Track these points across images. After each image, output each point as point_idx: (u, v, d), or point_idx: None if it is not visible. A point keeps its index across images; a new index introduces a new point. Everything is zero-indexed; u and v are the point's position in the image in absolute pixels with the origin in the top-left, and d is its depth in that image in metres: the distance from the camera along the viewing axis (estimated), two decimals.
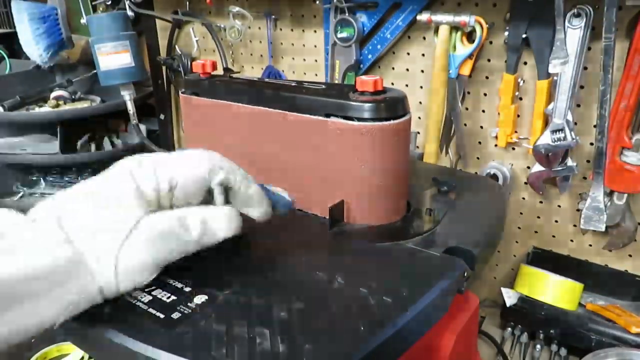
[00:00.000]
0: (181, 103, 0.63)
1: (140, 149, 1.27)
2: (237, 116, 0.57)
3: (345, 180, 0.51)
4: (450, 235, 0.49)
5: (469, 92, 0.85)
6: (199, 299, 0.39)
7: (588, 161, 0.78)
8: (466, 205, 0.56)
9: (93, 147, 1.24)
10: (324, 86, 0.55)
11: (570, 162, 0.77)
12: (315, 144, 0.51)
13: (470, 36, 0.80)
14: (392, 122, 0.48)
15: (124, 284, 0.36)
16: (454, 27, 0.79)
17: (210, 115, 0.60)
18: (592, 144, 0.76)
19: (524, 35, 0.75)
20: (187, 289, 0.40)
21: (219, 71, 0.93)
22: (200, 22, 1.12)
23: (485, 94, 0.84)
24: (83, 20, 1.06)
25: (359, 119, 0.48)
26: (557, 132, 0.74)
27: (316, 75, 1.03)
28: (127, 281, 0.36)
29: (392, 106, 0.49)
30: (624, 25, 0.69)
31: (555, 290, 0.80)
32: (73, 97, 1.34)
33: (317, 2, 0.90)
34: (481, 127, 0.86)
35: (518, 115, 0.82)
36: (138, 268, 0.36)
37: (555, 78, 0.73)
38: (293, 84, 0.56)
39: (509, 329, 0.82)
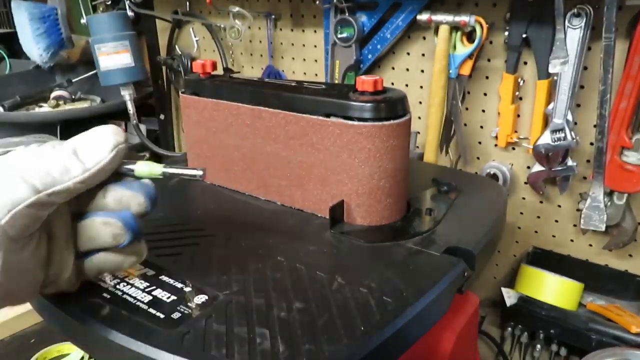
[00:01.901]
0: (181, 103, 0.63)
1: (140, 149, 1.27)
2: (237, 116, 0.57)
3: (345, 180, 0.51)
4: (450, 235, 0.49)
5: (469, 92, 0.85)
6: (199, 299, 0.39)
7: (588, 161, 0.78)
8: (466, 205, 0.56)
9: None
10: (324, 86, 0.55)
11: (570, 162, 0.77)
12: (315, 143, 0.51)
13: (470, 36, 0.80)
14: (392, 122, 0.48)
15: None
16: (454, 27, 0.79)
17: (211, 115, 0.60)
18: (592, 143, 0.76)
19: (524, 35, 0.75)
20: (187, 289, 0.40)
21: (219, 71, 0.93)
22: (200, 22, 1.12)
23: (485, 94, 0.84)
24: (83, 20, 1.06)
25: (359, 119, 0.48)
26: (557, 132, 0.74)
27: (316, 75, 1.03)
28: None
29: (392, 106, 0.49)
30: (624, 25, 0.69)
31: (556, 290, 0.80)
32: (73, 97, 1.34)
33: (317, 2, 0.90)
34: (481, 127, 0.86)
35: (518, 115, 0.82)
36: (5, 184, 0.32)
37: (555, 78, 0.73)
38: (293, 84, 0.56)
39: (509, 328, 0.82)
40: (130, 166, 0.37)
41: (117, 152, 0.35)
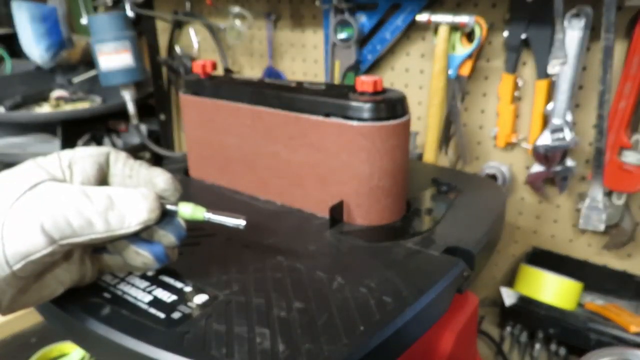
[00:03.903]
0: (181, 103, 0.64)
1: (141, 149, 1.27)
2: (237, 116, 0.57)
3: (345, 180, 0.51)
4: (449, 235, 0.49)
5: (468, 93, 0.86)
6: (199, 299, 0.39)
7: (587, 161, 0.78)
8: (466, 205, 0.57)
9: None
10: (323, 86, 0.55)
11: (569, 162, 0.77)
12: (315, 143, 0.51)
13: (469, 36, 0.80)
14: (391, 122, 0.48)
15: (9, 250, 0.32)
16: (454, 28, 0.79)
17: (211, 115, 0.60)
18: (591, 144, 0.76)
19: (523, 36, 0.75)
20: (187, 289, 0.41)
21: (219, 71, 0.93)
22: (201, 22, 1.12)
23: (484, 94, 0.84)
24: (83, 21, 1.06)
25: (359, 119, 0.48)
26: (556, 132, 0.75)
27: (316, 75, 1.03)
28: (12, 248, 0.32)
29: (392, 106, 0.49)
30: (623, 26, 0.69)
31: (555, 290, 0.80)
32: (73, 97, 1.34)
33: (317, 2, 0.90)
34: (480, 127, 0.87)
35: (517, 116, 0.82)
36: (23, 232, 0.32)
37: (554, 78, 0.73)
38: (293, 84, 0.57)
39: (509, 328, 0.82)
40: (174, 208, 0.39)
41: (143, 226, 0.36)
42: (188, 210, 0.39)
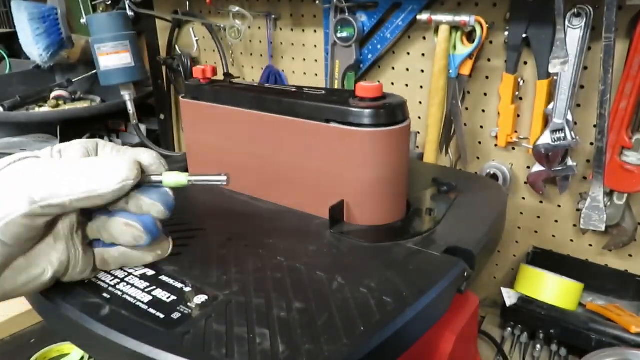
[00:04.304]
0: (182, 108, 0.63)
1: None
2: (238, 121, 0.57)
3: (346, 185, 0.51)
4: (450, 235, 0.49)
5: (469, 92, 0.85)
6: (199, 299, 0.39)
7: (588, 161, 0.78)
8: (466, 205, 0.56)
9: None
10: (324, 92, 0.55)
11: (570, 162, 0.77)
12: (315, 149, 0.51)
13: (470, 36, 0.80)
14: (391, 128, 0.48)
15: None
16: (454, 27, 0.79)
17: (211, 120, 0.60)
18: (592, 143, 0.76)
19: (524, 35, 0.75)
20: (187, 289, 0.40)
21: (219, 76, 0.93)
22: (200, 22, 1.12)
23: (485, 94, 0.84)
24: (83, 20, 1.06)
25: (359, 125, 0.48)
26: (557, 132, 0.74)
27: (316, 75, 1.03)
28: None
29: (392, 112, 0.48)
30: (624, 25, 0.69)
31: (556, 290, 0.80)
32: (73, 97, 1.34)
33: (317, 2, 0.90)
34: (481, 127, 0.86)
35: (518, 115, 0.82)
36: (3, 195, 0.34)
37: (555, 78, 0.73)
38: (293, 90, 0.56)
39: (509, 328, 0.82)
40: (158, 177, 0.39)
41: (122, 186, 0.36)
42: (172, 177, 0.39)
